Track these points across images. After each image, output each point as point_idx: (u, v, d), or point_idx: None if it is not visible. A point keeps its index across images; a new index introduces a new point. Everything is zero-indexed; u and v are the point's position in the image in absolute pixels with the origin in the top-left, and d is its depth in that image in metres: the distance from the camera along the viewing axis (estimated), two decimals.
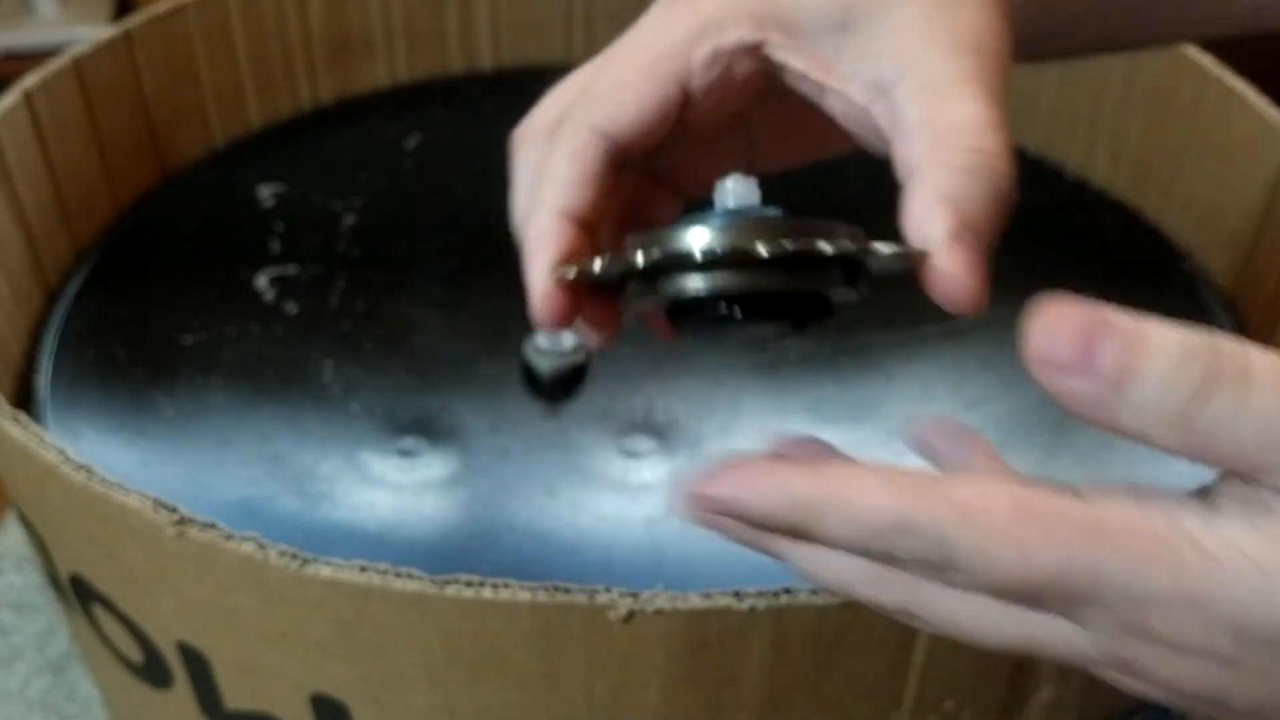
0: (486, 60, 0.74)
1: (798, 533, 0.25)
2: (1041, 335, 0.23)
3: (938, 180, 0.28)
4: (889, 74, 0.29)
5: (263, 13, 0.66)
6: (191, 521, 0.34)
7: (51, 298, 0.57)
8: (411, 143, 0.68)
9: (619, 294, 0.29)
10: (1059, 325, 0.23)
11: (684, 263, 0.27)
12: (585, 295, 0.30)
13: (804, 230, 0.27)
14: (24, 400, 0.51)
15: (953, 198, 0.27)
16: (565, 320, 0.29)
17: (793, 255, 0.26)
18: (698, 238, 0.27)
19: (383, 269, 0.59)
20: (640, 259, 0.27)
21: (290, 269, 0.59)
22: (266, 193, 0.64)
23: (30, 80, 0.55)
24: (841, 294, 0.28)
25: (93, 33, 0.61)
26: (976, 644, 0.25)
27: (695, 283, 0.27)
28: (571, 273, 0.29)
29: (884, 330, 0.54)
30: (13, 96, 0.53)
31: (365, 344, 0.54)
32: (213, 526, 0.34)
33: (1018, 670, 0.36)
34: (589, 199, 0.30)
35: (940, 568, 0.23)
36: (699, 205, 0.30)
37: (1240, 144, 0.58)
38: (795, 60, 0.31)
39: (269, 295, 0.57)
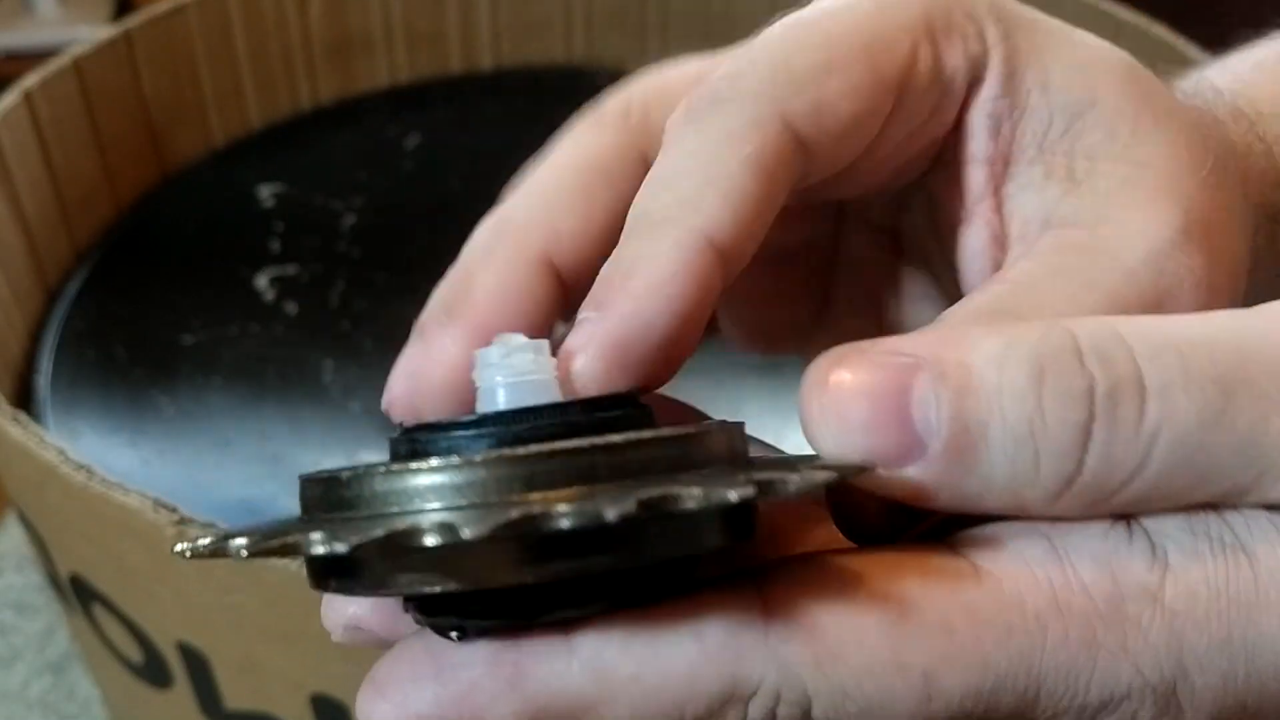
0: (486, 60, 0.74)
1: None
2: (830, 429, 0.16)
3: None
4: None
5: (263, 13, 0.66)
6: (191, 521, 0.34)
7: (51, 298, 0.57)
8: (411, 143, 0.68)
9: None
10: (848, 404, 0.16)
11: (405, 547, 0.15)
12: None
13: (639, 466, 0.16)
14: (24, 400, 0.51)
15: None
16: None
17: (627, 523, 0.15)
18: (422, 498, 0.16)
19: (383, 269, 0.59)
20: (317, 546, 0.15)
21: (290, 269, 0.59)
22: (266, 193, 0.64)
23: (30, 80, 0.55)
24: (717, 539, 0.17)
25: (93, 33, 0.61)
26: None
27: (434, 580, 0.16)
28: (195, 548, 0.17)
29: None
30: (13, 96, 0.53)
31: (365, 344, 0.54)
32: (213, 526, 0.34)
33: None
34: (753, 222, 0.20)
35: None
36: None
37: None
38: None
39: (269, 295, 0.57)
